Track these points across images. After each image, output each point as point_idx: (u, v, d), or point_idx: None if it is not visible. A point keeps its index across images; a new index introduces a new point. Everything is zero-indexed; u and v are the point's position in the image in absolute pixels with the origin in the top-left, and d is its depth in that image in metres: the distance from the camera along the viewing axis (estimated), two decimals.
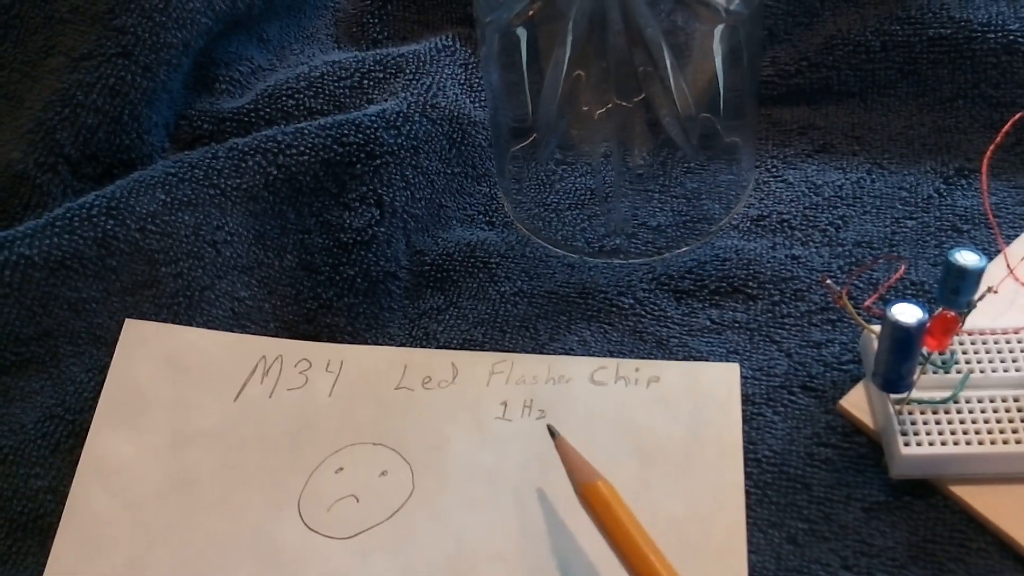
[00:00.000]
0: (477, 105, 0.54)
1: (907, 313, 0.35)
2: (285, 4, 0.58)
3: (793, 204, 0.49)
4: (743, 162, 0.49)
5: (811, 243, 0.47)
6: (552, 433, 0.39)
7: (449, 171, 0.51)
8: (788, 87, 0.54)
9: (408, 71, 0.55)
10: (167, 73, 0.52)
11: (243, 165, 0.48)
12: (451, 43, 0.57)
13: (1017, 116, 0.45)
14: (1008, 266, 0.42)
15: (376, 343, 0.45)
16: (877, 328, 0.39)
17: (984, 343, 0.41)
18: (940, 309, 0.38)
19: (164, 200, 0.47)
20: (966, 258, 0.36)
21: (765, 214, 0.49)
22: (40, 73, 0.53)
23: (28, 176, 0.50)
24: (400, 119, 0.50)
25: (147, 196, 0.47)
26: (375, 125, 0.50)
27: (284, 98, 0.54)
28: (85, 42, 0.52)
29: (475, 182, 0.51)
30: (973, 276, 0.36)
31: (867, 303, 0.41)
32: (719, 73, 0.45)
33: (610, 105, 0.46)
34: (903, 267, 0.44)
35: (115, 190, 0.48)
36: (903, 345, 0.36)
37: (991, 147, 0.43)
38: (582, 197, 0.50)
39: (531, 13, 0.44)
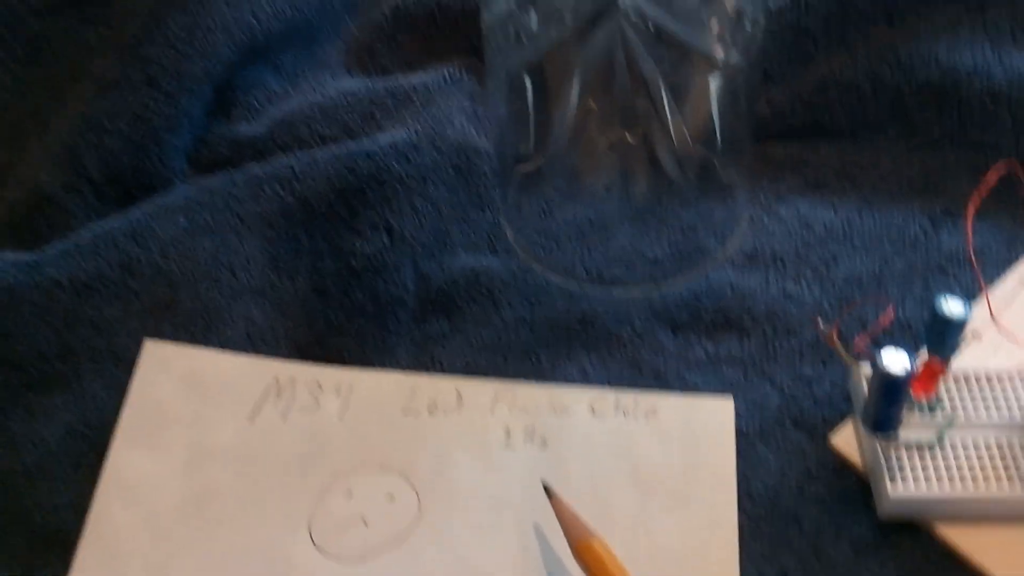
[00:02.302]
0: (482, 134, 0.55)
1: (895, 363, 0.37)
2: (299, 33, 0.60)
3: (786, 240, 0.51)
4: (738, 198, 0.51)
5: (803, 279, 0.49)
6: (548, 492, 0.41)
7: (455, 199, 0.53)
8: (782, 125, 0.56)
9: (417, 101, 0.57)
10: (189, 101, 0.54)
11: (260, 192, 0.50)
12: (458, 73, 0.58)
13: (998, 166, 0.47)
14: (991, 313, 0.44)
15: (383, 367, 0.47)
16: (866, 367, 0.41)
17: (969, 386, 0.43)
18: (926, 354, 0.40)
19: (185, 226, 0.49)
20: (952, 308, 0.38)
21: (759, 249, 0.51)
22: (68, 98, 0.55)
23: (54, 197, 0.52)
24: (409, 149, 0.52)
25: (169, 221, 0.49)
26: (386, 155, 0.51)
27: (299, 125, 0.56)
28: (112, 70, 0.54)
29: (479, 209, 0.53)
30: (958, 326, 0.38)
31: (857, 345, 0.43)
32: (715, 114, 0.47)
33: (613, 140, 0.48)
34: (891, 309, 0.46)
35: (138, 214, 0.50)
36: (891, 391, 0.38)
37: (974, 197, 0.45)
38: (583, 227, 0.52)
39: (540, 60, 0.45)
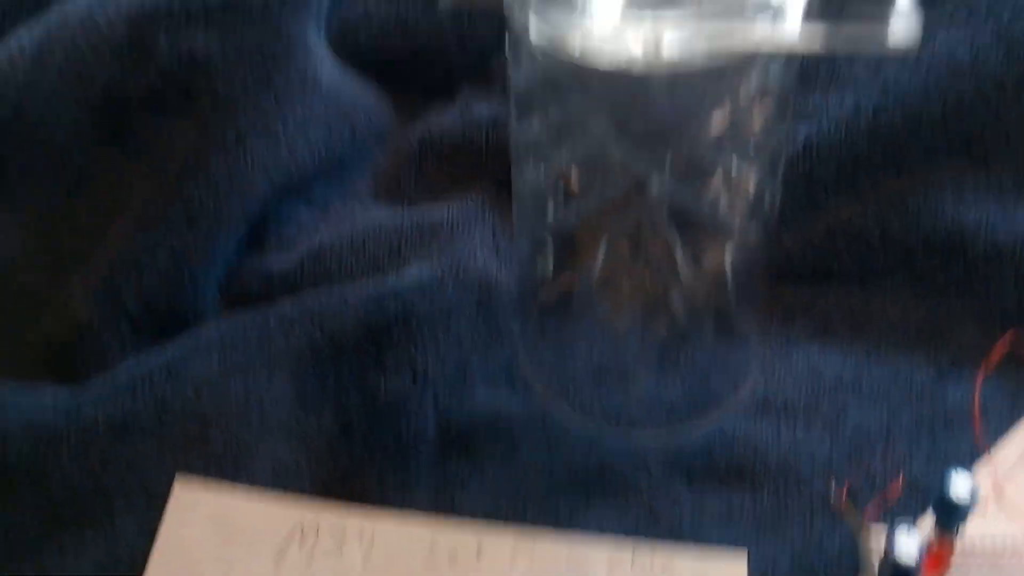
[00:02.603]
0: (503, 269, 0.57)
1: (907, 549, 0.39)
2: (332, 166, 0.62)
3: (796, 388, 0.52)
4: (750, 342, 0.53)
5: (813, 429, 0.51)
6: None
7: (476, 334, 0.54)
8: (793, 269, 0.57)
9: (443, 236, 0.59)
10: (225, 239, 0.56)
11: (291, 332, 0.52)
12: (482, 204, 0.60)
13: (1006, 337, 0.49)
14: (993, 485, 0.45)
15: (404, 507, 0.48)
16: (875, 537, 0.42)
17: (977, 562, 0.44)
18: (932, 522, 0.42)
19: (218, 366, 0.51)
20: (959, 490, 0.40)
21: (770, 397, 0.52)
22: (108, 232, 0.57)
23: (92, 331, 0.54)
24: (434, 287, 0.54)
25: (203, 361, 0.51)
26: (412, 294, 0.53)
27: (329, 260, 0.57)
28: (153, 207, 0.56)
29: (500, 344, 0.55)
30: (965, 510, 0.40)
31: (868, 514, 0.45)
32: (728, 270, 0.49)
33: (633, 285, 0.50)
34: (900, 478, 0.48)
35: (174, 353, 0.51)
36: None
37: (982, 368, 0.47)
38: (599, 368, 0.54)
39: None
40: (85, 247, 0.57)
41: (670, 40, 0.38)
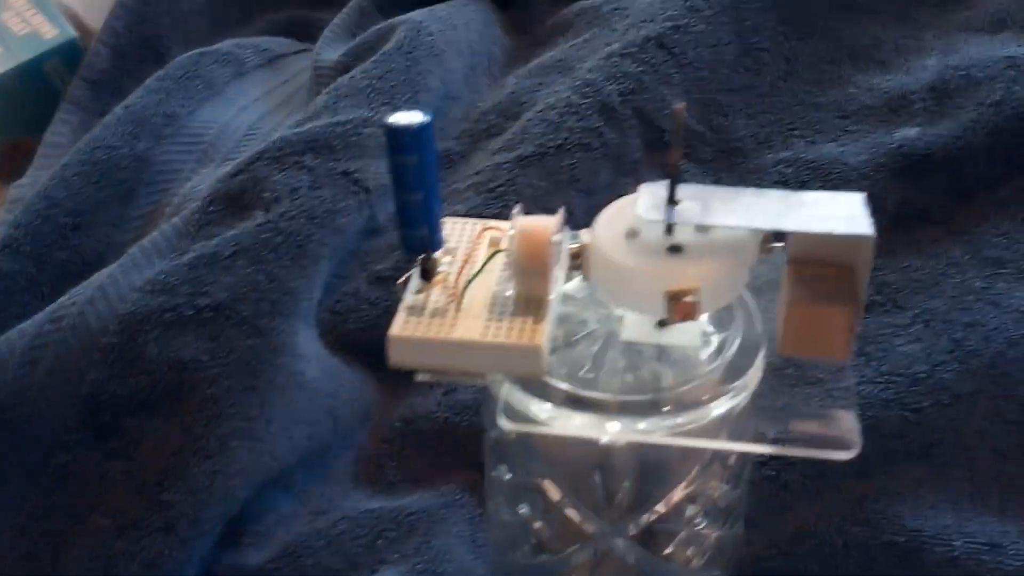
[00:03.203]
0: (480, 562, 0.59)
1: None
2: (313, 451, 0.64)
3: None
4: None
5: None
6: None
7: None
8: (760, 569, 0.59)
9: (420, 528, 0.60)
10: (203, 543, 0.57)
11: None
12: (461, 493, 0.62)
13: None
14: None
15: None
16: None
17: None
18: None
19: None
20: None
21: None
22: (83, 531, 0.58)
23: None
24: None
25: None
26: None
27: (305, 557, 0.59)
28: (131, 510, 0.57)
29: None
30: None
31: None
32: None
33: None
34: None
35: None
36: None
37: None
38: None
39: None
40: (59, 546, 0.58)
41: (634, 428, 0.40)
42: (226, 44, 0.93)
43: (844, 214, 0.39)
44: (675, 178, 0.39)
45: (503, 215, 0.43)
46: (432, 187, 0.39)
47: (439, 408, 0.66)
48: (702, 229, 0.40)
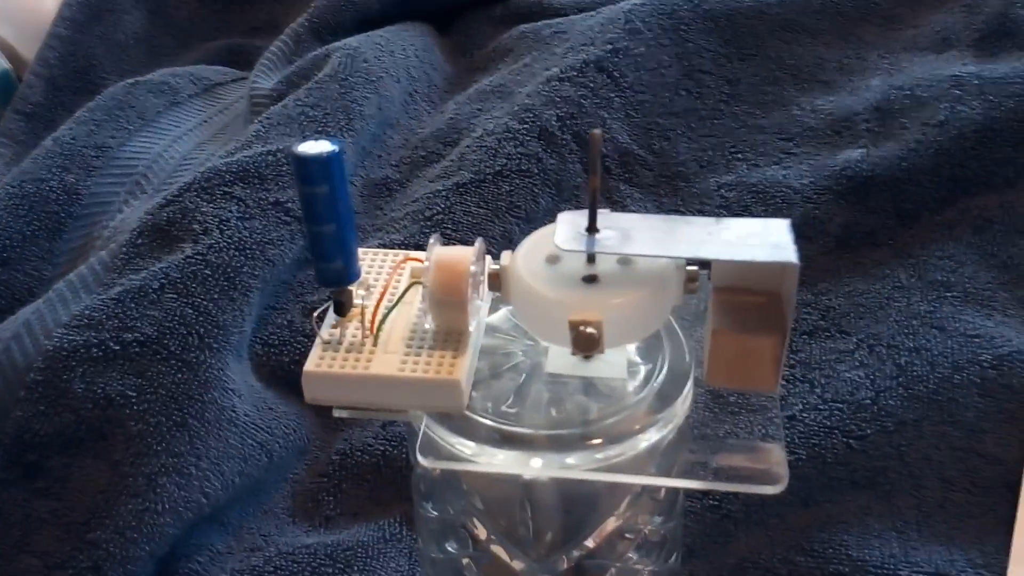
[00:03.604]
0: None
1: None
2: (247, 487, 0.62)
3: None
4: None
5: None
6: None
7: None
8: None
9: (356, 567, 0.59)
10: None
11: None
12: (398, 528, 0.61)
13: None
14: None
15: None
16: None
17: None
18: None
19: None
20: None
21: None
22: (13, 571, 0.56)
23: None
24: None
25: None
26: None
27: None
28: (59, 551, 0.56)
29: None
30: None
31: None
32: None
33: None
34: None
35: None
36: None
37: None
38: None
39: None
40: None
41: (561, 462, 0.39)
42: (160, 73, 0.92)
43: (769, 241, 0.38)
44: (594, 206, 0.38)
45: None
46: (345, 218, 0.38)
47: (377, 440, 0.65)
48: (624, 260, 0.39)
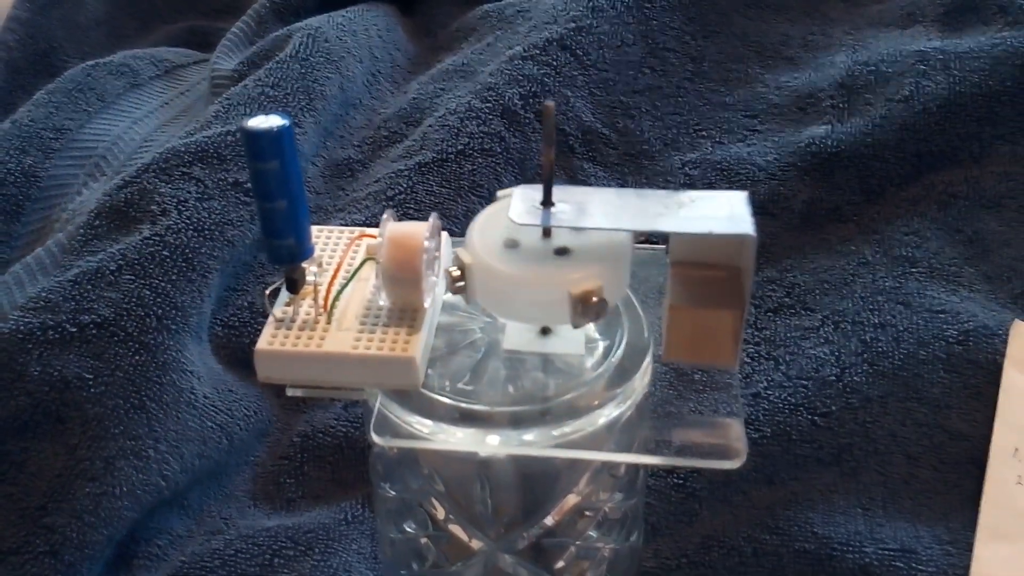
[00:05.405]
0: None
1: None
2: (208, 469, 0.61)
3: None
4: None
5: None
6: None
7: None
8: None
9: (317, 549, 0.58)
10: (90, 568, 0.55)
11: None
12: (360, 510, 0.60)
13: None
14: None
15: None
16: None
17: None
18: None
19: None
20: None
21: None
22: None
23: None
24: None
25: None
26: None
27: None
28: (14, 535, 0.55)
29: None
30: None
31: None
32: None
33: None
34: None
35: None
36: None
37: None
38: None
39: None
40: None
41: (518, 440, 0.38)
42: (121, 55, 0.91)
43: (725, 213, 0.37)
44: (549, 179, 0.38)
45: None
46: (297, 194, 0.37)
47: (339, 422, 0.65)
48: (577, 231, 0.38)
